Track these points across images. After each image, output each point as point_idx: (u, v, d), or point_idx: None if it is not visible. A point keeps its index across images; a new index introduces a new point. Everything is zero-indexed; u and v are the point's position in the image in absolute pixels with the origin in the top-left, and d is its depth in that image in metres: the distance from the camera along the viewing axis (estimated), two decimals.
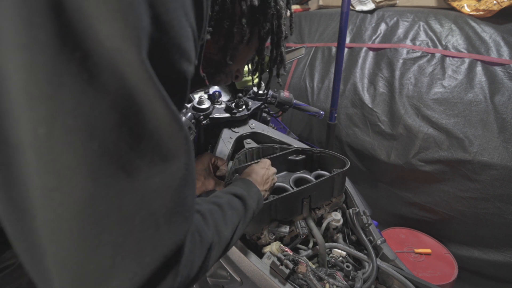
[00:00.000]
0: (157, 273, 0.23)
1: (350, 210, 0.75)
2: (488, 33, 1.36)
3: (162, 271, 0.23)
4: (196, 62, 0.30)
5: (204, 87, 0.52)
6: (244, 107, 0.92)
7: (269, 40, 0.50)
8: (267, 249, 0.64)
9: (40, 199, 0.18)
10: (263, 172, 0.64)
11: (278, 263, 0.58)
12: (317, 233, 0.66)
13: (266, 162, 0.70)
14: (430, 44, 1.49)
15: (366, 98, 1.60)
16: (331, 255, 0.68)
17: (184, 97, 0.29)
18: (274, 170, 0.69)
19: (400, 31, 1.60)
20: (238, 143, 0.90)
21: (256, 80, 0.66)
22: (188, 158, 0.25)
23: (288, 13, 0.48)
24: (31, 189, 0.18)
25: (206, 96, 0.89)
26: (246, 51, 0.49)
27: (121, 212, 0.20)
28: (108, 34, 0.18)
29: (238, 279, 0.65)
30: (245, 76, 1.00)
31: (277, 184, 0.74)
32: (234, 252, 0.64)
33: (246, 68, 0.57)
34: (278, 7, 0.44)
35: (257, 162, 0.70)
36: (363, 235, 0.70)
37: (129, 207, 0.21)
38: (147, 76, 0.21)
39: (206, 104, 0.86)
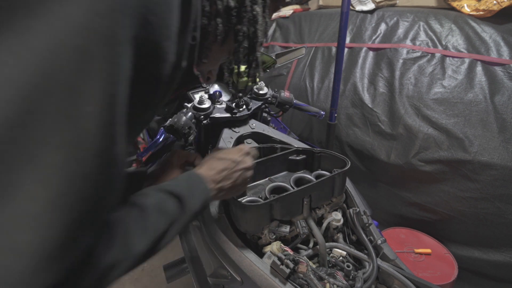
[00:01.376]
0: None
1: (351, 210, 0.75)
2: (488, 33, 1.36)
3: None
4: (185, 63, 0.30)
5: (197, 85, 0.53)
6: (244, 107, 0.93)
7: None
8: (267, 249, 0.64)
9: None
10: (225, 165, 0.52)
11: (278, 262, 0.58)
12: (318, 233, 0.66)
13: (240, 150, 0.56)
14: (430, 44, 1.49)
15: (366, 98, 1.60)
16: (331, 255, 0.68)
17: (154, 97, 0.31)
18: (248, 163, 0.56)
19: (400, 31, 1.60)
20: (239, 143, 0.90)
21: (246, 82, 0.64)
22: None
23: (263, 21, 0.48)
24: None
25: (206, 96, 0.89)
26: (219, 52, 0.49)
27: None
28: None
29: (238, 278, 0.65)
30: (244, 77, 1.00)
31: (277, 184, 0.74)
32: (235, 252, 0.64)
33: (243, 68, 0.58)
34: (254, 12, 0.44)
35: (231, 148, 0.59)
36: (364, 235, 0.70)
37: None
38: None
39: (207, 104, 0.86)
